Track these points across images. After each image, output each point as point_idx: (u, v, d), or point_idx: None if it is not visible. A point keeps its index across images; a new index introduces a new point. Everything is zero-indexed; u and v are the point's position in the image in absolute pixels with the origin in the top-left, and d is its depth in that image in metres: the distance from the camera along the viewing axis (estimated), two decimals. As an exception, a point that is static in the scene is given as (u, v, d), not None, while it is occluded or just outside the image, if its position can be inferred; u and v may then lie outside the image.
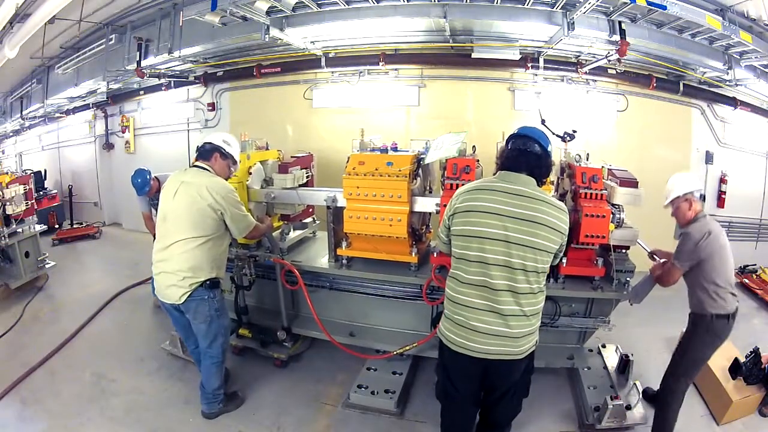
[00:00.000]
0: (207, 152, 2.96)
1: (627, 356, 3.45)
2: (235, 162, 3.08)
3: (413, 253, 3.32)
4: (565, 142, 3.38)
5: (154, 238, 4.48)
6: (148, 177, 4.43)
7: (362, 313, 3.75)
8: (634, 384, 3.18)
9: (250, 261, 3.57)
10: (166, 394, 3.40)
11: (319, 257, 3.75)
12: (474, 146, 3.64)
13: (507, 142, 2.22)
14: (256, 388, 3.48)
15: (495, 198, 2.02)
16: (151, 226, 4.61)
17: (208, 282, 2.81)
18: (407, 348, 3.33)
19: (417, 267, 3.37)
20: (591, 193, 2.91)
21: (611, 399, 2.93)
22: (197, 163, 2.96)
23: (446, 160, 3.11)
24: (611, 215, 2.86)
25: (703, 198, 2.85)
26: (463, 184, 2.87)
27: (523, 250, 1.96)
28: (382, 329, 3.70)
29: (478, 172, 3.12)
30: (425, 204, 3.28)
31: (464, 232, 2.05)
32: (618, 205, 2.97)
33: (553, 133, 3.32)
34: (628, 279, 3.02)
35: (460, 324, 2.07)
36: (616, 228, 2.93)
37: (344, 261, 3.50)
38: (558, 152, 3.09)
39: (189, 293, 2.76)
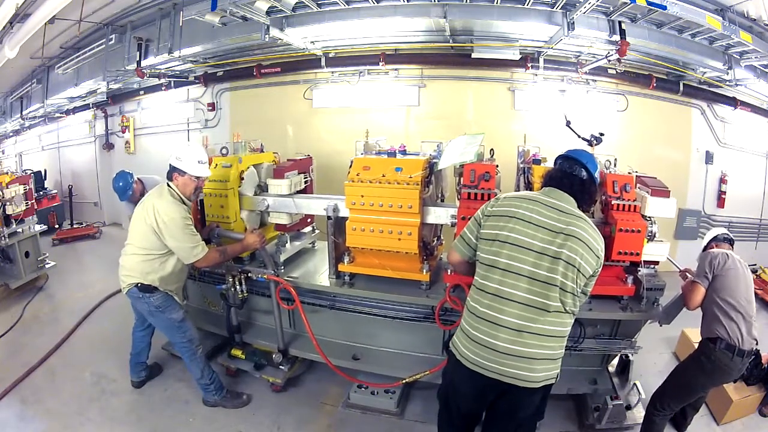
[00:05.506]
0: (169, 171, 2.98)
1: (627, 356, 3.43)
2: (193, 175, 2.92)
3: (424, 271, 3.02)
4: (591, 146, 3.11)
5: None
6: (130, 180, 4.13)
7: (367, 335, 3.46)
8: (634, 384, 3.17)
9: (242, 276, 3.30)
10: (166, 394, 3.41)
11: (319, 273, 3.46)
12: (492, 150, 3.30)
13: (555, 161, 2.18)
14: (256, 387, 3.47)
15: (534, 208, 1.93)
16: None
17: (139, 285, 2.92)
18: (418, 376, 3.04)
19: (428, 286, 3.08)
20: (624, 205, 2.65)
21: (611, 399, 2.92)
22: (167, 181, 2.99)
23: (462, 165, 2.86)
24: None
25: (727, 240, 2.87)
26: (482, 193, 2.71)
27: (555, 263, 1.83)
28: (389, 352, 3.42)
29: (497, 179, 2.88)
30: (439, 215, 2.97)
31: (498, 237, 1.93)
32: (650, 218, 2.72)
33: (579, 136, 3.17)
34: (657, 297, 2.79)
35: (479, 342, 1.91)
36: (648, 242, 2.70)
37: (346, 278, 3.20)
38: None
39: (127, 289, 2.99)
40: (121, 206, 4.47)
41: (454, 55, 5.83)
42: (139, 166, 5.91)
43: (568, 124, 3.33)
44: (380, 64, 5.97)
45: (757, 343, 2.58)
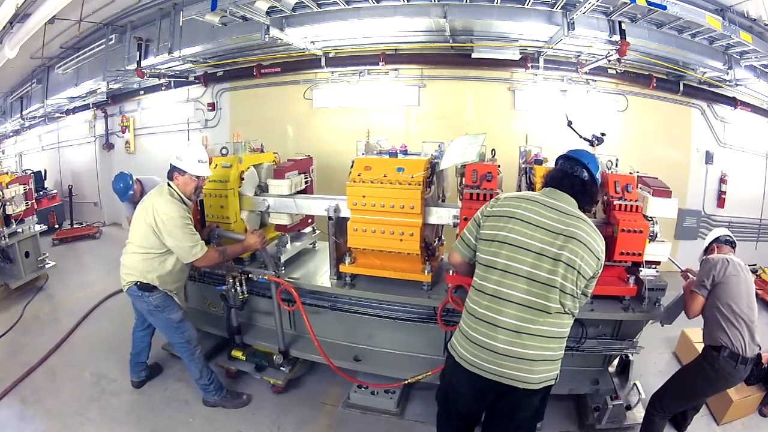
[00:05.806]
0: (169, 170, 2.99)
1: (627, 356, 3.43)
2: (194, 174, 2.93)
3: (426, 271, 3.01)
4: (593, 146, 3.09)
5: None
6: (130, 181, 4.16)
7: (368, 336, 3.44)
8: (634, 384, 3.17)
9: (242, 277, 3.28)
10: (166, 394, 3.41)
11: (319, 274, 3.44)
12: (493, 150, 3.28)
13: (556, 161, 2.18)
14: (256, 387, 3.47)
15: (533, 208, 1.93)
16: None
17: (138, 283, 2.94)
18: (420, 377, 3.02)
19: (430, 286, 3.06)
20: (626, 205, 2.64)
21: (611, 399, 2.92)
22: (168, 180, 3.01)
23: (464, 165, 2.84)
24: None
25: (729, 243, 2.85)
26: (484, 193, 2.70)
27: (556, 265, 1.82)
28: (390, 353, 3.40)
29: (499, 179, 2.86)
30: (441, 215, 2.95)
31: (497, 238, 1.92)
32: (652, 218, 2.72)
33: (580, 136, 3.16)
34: (659, 298, 2.80)
35: (477, 343, 1.90)
36: (649, 242, 2.70)
37: (348, 279, 3.19)
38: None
39: (127, 288, 3.01)
40: (122, 207, 4.48)
41: (454, 55, 5.83)
42: (139, 166, 5.92)
43: (569, 124, 3.31)
44: (380, 64, 5.97)
45: (760, 349, 2.56)
